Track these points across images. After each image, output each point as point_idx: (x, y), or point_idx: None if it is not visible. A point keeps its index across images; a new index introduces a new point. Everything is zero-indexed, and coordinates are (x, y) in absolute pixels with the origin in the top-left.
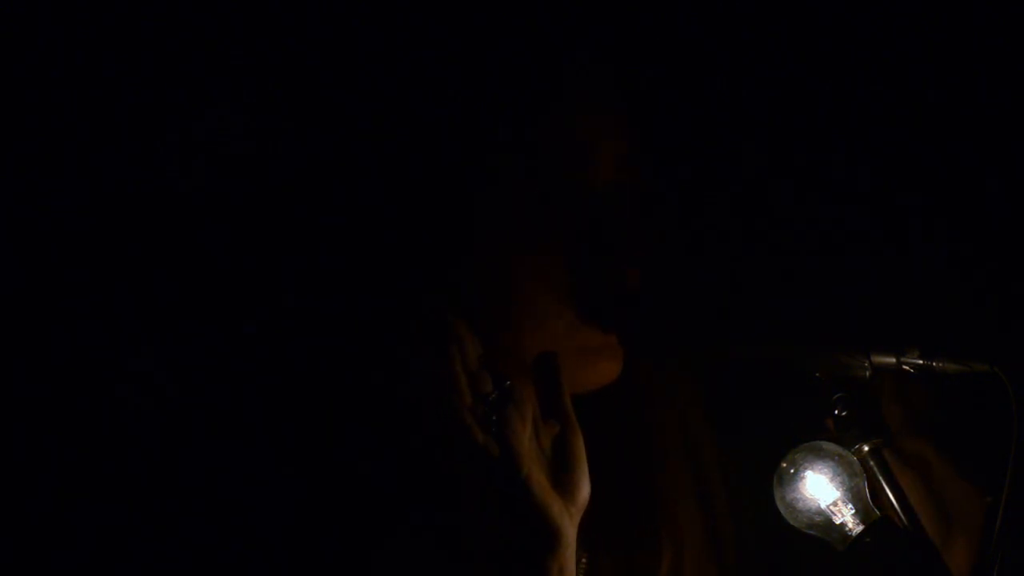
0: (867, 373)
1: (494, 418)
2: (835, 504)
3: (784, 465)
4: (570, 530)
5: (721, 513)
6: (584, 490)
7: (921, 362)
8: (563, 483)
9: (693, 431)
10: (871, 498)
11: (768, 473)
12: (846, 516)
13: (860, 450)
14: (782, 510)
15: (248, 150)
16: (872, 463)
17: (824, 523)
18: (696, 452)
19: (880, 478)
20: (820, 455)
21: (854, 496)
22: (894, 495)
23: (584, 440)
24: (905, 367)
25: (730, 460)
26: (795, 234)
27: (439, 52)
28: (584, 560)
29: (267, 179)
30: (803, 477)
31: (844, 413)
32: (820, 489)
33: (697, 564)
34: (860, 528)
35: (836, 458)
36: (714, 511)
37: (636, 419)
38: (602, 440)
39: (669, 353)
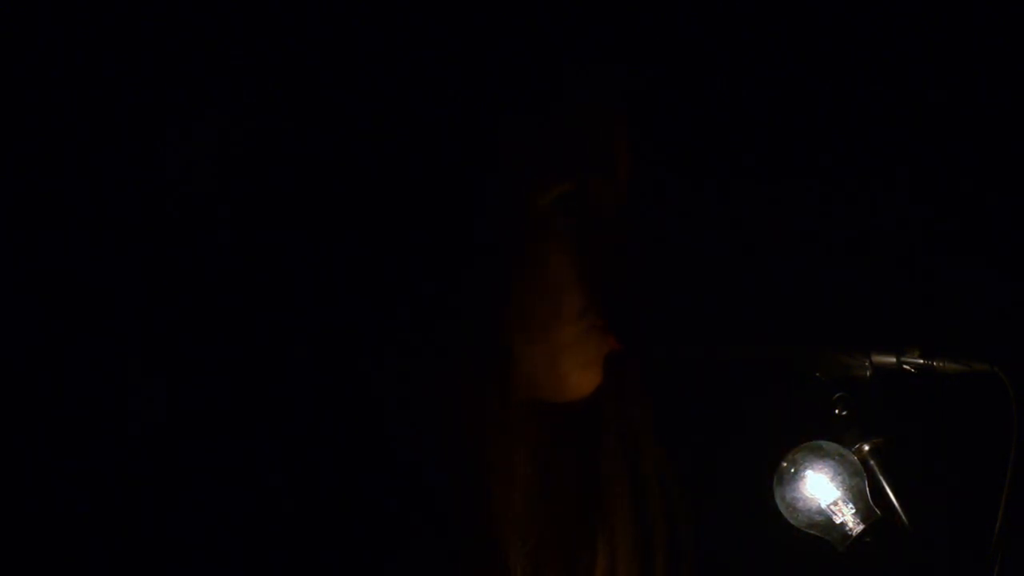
0: (867, 373)
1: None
2: (835, 504)
3: (784, 465)
4: None
5: (656, 520)
6: None
7: (921, 362)
8: None
9: (635, 437)
10: (872, 498)
11: (767, 473)
12: (846, 516)
13: (860, 450)
14: (782, 510)
15: (249, 150)
16: (872, 463)
17: (824, 523)
18: (636, 459)
19: (881, 478)
20: (820, 455)
21: (855, 496)
22: (895, 495)
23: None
24: (905, 367)
25: (672, 468)
26: (795, 234)
27: (439, 52)
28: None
29: (268, 180)
30: (803, 477)
31: (844, 413)
32: (820, 489)
33: (629, 569)
34: (860, 528)
35: (836, 458)
36: (648, 518)
37: (579, 422)
38: (545, 442)
39: (668, 354)
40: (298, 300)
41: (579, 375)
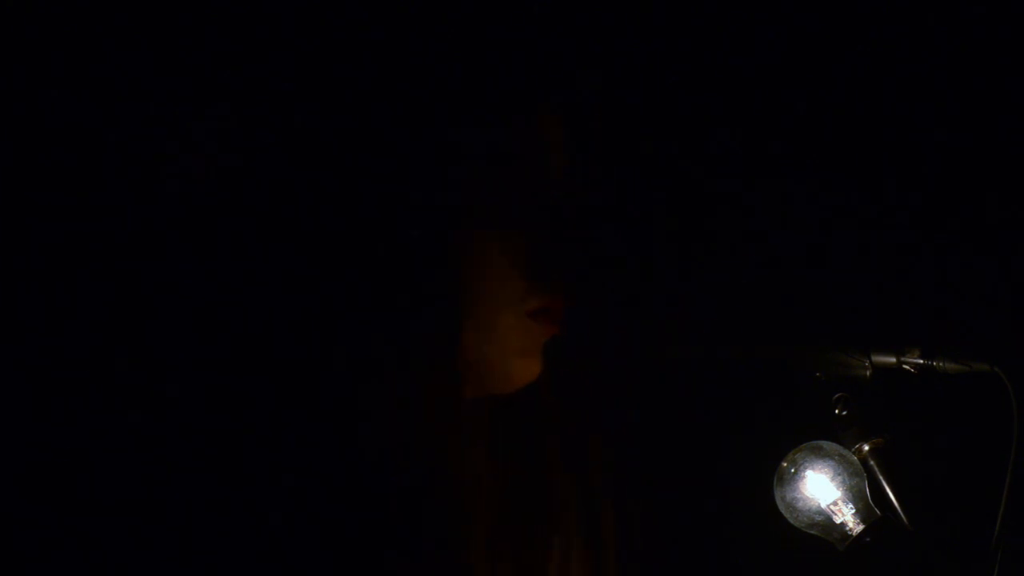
0: (867, 373)
1: None
2: (835, 504)
3: (784, 465)
4: None
5: (605, 517)
6: None
7: (921, 362)
8: None
9: (583, 436)
10: (872, 498)
11: (767, 473)
12: (846, 516)
13: (860, 450)
14: (782, 510)
15: (243, 152)
16: (872, 463)
17: (825, 523)
18: (584, 457)
19: (881, 478)
20: (820, 455)
21: (855, 496)
22: (895, 495)
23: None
24: (905, 367)
25: (621, 470)
26: (796, 234)
27: (418, 60)
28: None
29: (262, 181)
30: (803, 477)
31: (844, 413)
32: (820, 489)
33: (581, 563)
34: (860, 528)
35: (836, 458)
36: (598, 518)
37: (528, 420)
38: (501, 444)
39: (668, 354)
40: (290, 298)
41: (520, 362)
